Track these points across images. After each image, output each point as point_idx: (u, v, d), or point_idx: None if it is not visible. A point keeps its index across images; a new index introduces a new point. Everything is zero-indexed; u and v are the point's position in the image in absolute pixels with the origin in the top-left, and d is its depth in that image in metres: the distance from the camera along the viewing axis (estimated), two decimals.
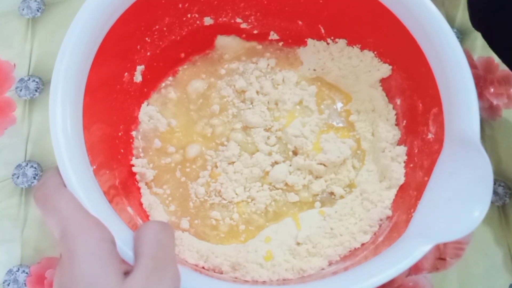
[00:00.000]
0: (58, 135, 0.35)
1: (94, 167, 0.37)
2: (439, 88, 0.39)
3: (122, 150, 0.46)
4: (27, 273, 0.47)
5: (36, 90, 0.54)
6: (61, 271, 0.30)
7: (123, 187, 0.43)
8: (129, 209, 0.41)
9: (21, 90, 0.54)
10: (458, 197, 0.35)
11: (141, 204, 0.45)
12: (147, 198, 0.46)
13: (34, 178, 0.50)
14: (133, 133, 0.48)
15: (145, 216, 0.44)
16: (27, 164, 0.51)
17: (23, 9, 0.58)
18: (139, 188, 0.46)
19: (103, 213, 0.33)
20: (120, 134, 0.46)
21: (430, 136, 0.41)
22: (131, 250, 0.32)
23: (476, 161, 0.35)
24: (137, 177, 0.47)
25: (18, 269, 0.47)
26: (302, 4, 0.48)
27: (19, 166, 0.51)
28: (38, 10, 0.58)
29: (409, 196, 0.41)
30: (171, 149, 0.48)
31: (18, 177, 0.51)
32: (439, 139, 0.39)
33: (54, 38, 0.56)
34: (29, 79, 0.54)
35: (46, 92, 0.54)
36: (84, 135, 0.37)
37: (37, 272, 0.47)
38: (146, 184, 0.47)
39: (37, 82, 0.54)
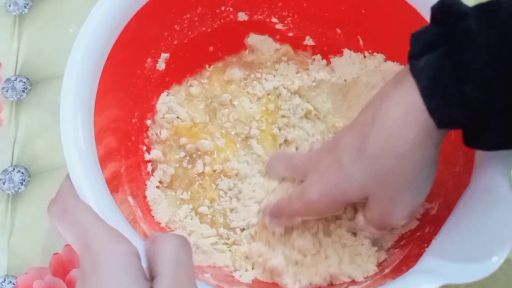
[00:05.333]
0: (66, 115, 0.36)
1: (100, 150, 0.38)
2: None
3: (133, 138, 0.46)
4: (13, 283, 0.47)
5: (23, 91, 0.54)
6: (86, 283, 0.30)
7: (127, 174, 0.43)
8: (130, 198, 0.42)
9: (7, 91, 0.54)
10: (477, 238, 0.35)
11: (144, 197, 0.46)
12: (152, 191, 0.47)
13: (21, 183, 0.51)
14: (148, 122, 0.49)
15: (147, 210, 0.45)
16: (13, 168, 0.51)
17: (9, 5, 0.58)
18: (144, 180, 0.47)
19: (109, 214, 0.33)
20: (134, 120, 0.47)
21: (457, 169, 0.40)
22: (144, 263, 0.31)
23: (502, 204, 0.35)
24: (158, 173, 0.47)
25: (5, 279, 0.47)
26: (343, 12, 0.48)
27: (5, 171, 0.51)
28: (25, 7, 0.58)
29: (425, 230, 0.41)
30: (184, 143, 0.49)
31: (4, 183, 0.51)
32: (467, 174, 0.38)
33: (42, 36, 0.56)
34: (16, 79, 0.55)
35: (34, 93, 0.54)
36: (94, 118, 0.38)
37: (25, 282, 0.47)
38: (161, 182, 0.48)
39: (24, 82, 0.55)
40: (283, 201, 0.42)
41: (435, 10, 0.35)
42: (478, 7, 0.33)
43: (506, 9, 0.31)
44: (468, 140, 0.35)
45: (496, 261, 0.33)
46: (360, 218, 0.40)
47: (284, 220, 0.42)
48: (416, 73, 0.33)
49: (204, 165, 0.48)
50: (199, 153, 0.49)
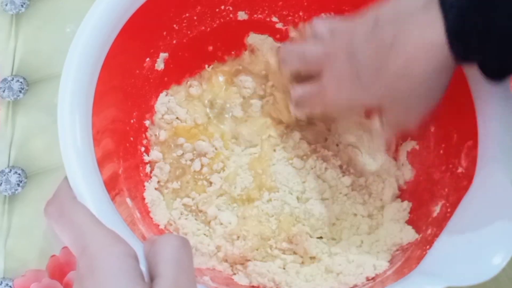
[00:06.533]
0: (64, 116, 0.36)
1: (98, 151, 0.38)
2: (478, 120, 0.39)
3: (131, 138, 0.46)
4: (10, 286, 0.47)
5: (20, 91, 0.54)
6: (83, 286, 0.30)
7: (126, 176, 0.43)
8: (128, 200, 0.42)
9: (4, 91, 0.54)
10: (480, 240, 0.35)
11: (143, 198, 0.46)
12: (150, 193, 0.46)
13: (18, 185, 0.51)
14: (147, 123, 0.49)
15: (145, 211, 0.45)
16: (10, 170, 0.51)
17: (6, 4, 0.58)
18: (143, 181, 0.47)
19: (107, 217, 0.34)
20: (132, 121, 0.47)
21: (460, 170, 0.40)
22: (143, 265, 0.31)
23: (505, 206, 0.35)
24: (155, 172, 0.48)
25: (1, 282, 0.47)
26: (345, 12, 0.48)
27: (2, 172, 0.51)
28: (22, 6, 0.58)
29: (427, 232, 0.41)
30: (181, 143, 0.49)
31: (1, 184, 0.51)
32: (469, 175, 0.38)
33: (39, 36, 0.56)
34: (13, 79, 0.55)
35: (31, 93, 0.54)
36: (92, 119, 0.38)
37: (21, 285, 0.47)
38: (159, 182, 0.48)
39: (21, 82, 0.55)
40: (307, 93, 0.45)
41: None
42: None
43: None
44: (484, 73, 0.36)
45: (499, 263, 0.33)
46: (376, 119, 0.43)
47: (307, 109, 0.47)
48: (445, 9, 0.34)
49: (202, 166, 0.48)
50: (195, 152, 0.49)
